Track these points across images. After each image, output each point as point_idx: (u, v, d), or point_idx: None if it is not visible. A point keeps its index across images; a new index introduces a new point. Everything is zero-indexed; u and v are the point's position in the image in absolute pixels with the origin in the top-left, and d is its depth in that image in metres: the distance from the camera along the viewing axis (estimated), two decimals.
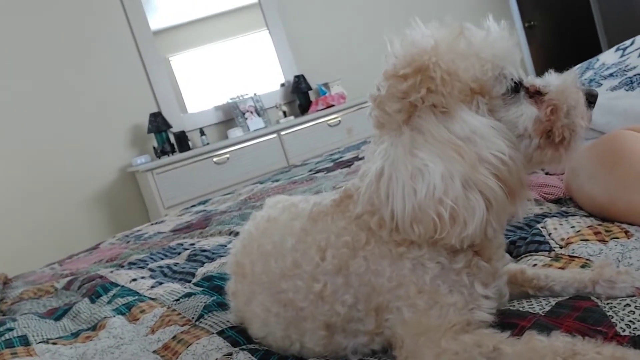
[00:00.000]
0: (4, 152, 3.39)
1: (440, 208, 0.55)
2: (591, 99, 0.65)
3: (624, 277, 0.66)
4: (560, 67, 1.43)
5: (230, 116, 3.99)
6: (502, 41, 0.62)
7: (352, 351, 0.67)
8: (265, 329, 0.74)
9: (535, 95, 0.64)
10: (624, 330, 0.58)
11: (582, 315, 0.62)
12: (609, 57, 1.34)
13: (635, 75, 1.20)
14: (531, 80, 0.64)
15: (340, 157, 2.39)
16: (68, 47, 3.61)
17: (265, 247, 0.73)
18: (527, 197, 0.61)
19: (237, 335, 0.85)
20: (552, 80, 0.65)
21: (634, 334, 0.58)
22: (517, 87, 0.62)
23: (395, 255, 0.61)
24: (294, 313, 0.68)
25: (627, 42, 1.32)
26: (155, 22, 3.94)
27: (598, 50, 5.34)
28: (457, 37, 0.61)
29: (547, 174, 1.23)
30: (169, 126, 3.70)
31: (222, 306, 0.98)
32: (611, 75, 1.26)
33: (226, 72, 4.17)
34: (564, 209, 0.97)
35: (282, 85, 4.24)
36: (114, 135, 3.72)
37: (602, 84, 1.26)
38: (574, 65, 1.45)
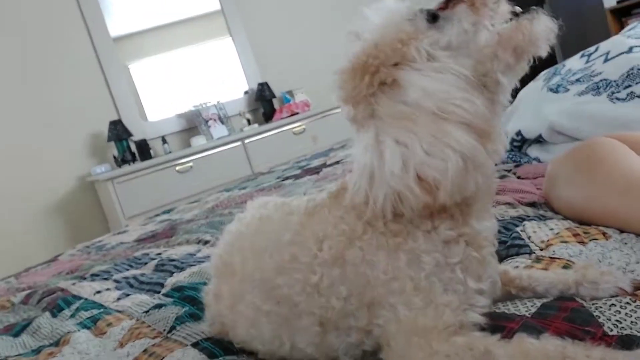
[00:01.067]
0: None
1: (405, 179, 0.54)
2: None
3: (607, 278, 0.65)
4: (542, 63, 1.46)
5: (193, 124, 3.93)
6: (388, 7, 0.62)
7: (344, 352, 0.65)
8: (253, 332, 0.71)
9: (449, 4, 0.61)
10: (612, 330, 0.58)
11: (569, 316, 0.62)
12: (574, 63, 1.37)
13: (601, 80, 1.23)
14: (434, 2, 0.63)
15: (308, 164, 2.37)
16: (24, 53, 3.49)
17: (259, 243, 0.71)
18: (499, 133, 0.59)
19: (213, 347, 0.81)
20: None
21: (622, 333, 0.58)
22: (432, 13, 0.60)
23: (391, 247, 0.60)
24: (288, 309, 0.66)
25: (592, 49, 1.35)
26: (114, 28, 3.85)
27: (554, 61, 5.49)
28: (358, 37, 0.62)
29: (519, 177, 1.24)
30: (129, 134, 3.62)
31: (195, 317, 0.94)
32: (578, 80, 1.28)
33: (188, 79, 4.11)
34: (541, 212, 0.98)
35: (246, 92, 4.20)
36: (72, 144, 3.61)
37: (569, 89, 1.28)
38: (535, 73, 1.47)
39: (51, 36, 3.59)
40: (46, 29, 3.58)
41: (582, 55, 1.37)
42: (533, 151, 1.33)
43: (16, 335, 1.14)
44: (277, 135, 3.86)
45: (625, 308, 0.61)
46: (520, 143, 1.37)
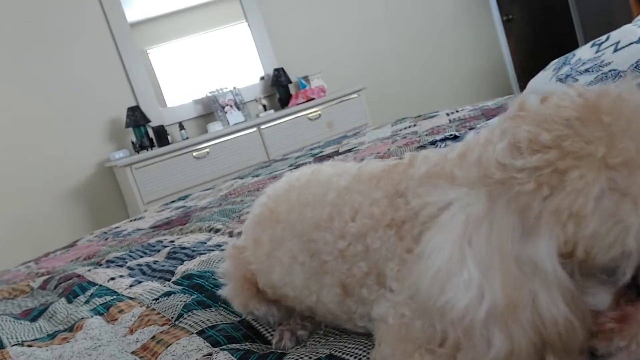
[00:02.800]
0: None
1: (454, 317, 0.44)
2: None
3: None
4: (538, 61, 1.43)
5: (210, 110, 3.96)
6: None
7: (360, 316, 0.67)
8: (287, 278, 0.74)
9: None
10: None
11: None
12: (585, 52, 1.35)
13: (610, 70, 1.22)
14: None
15: (321, 152, 2.39)
16: (43, 40, 3.54)
17: (305, 196, 0.72)
18: None
19: (217, 335, 0.84)
20: None
21: None
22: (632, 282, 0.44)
23: (404, 249, 0.58)
24: (318, 265, 0.68)
25: (603, 38, 1.33)
26: (132, 14, 3.88)
27: (575, 44, 5.41)
28: None
29: None
30: (147, 120, 3.66)
31: (202, 305, 0.97)
32: (587, 70, 1.27)
33: (205, 65, 4.13)
34: None
35: (262, 78, 4.22)
36: (91, 130, 3.67)
37: (578, 79, 1.27)
38: (552, 59, 1.46)
39: (70, 23, 3.63)
40: (65, 17, 3.62)
41: (593, 45, 1.35)
42: None
43: (33, 319, 1.19)
44: (293, 121, 3.87)
45: None
46: None
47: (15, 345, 1.00)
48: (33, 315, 1.22)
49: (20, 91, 3.47)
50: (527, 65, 4.97)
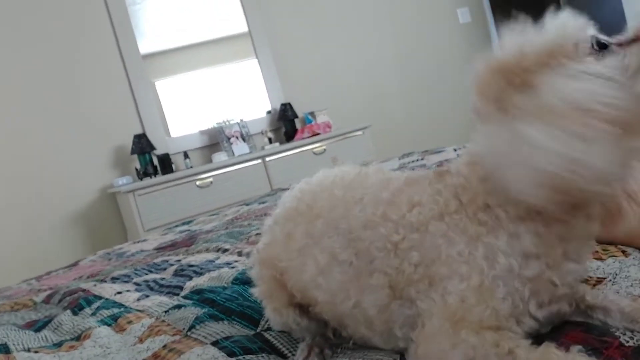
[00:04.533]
0: None
1: (568, 168, 0.52)
2: None
3: None
4: None
5: (216, 140, 3.99)
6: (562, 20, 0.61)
7: (400, 326, 0.65)
8: (320, 279, 0.71)
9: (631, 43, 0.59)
10: (628, 342, 0.59)
11: (586, 328, 0.63)
12: None
13: None
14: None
15: None
16: (57, 69, 3.59)
17: (353, 194, 0.71)
18: None
19: (233, 346, 0.83)
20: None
21: (638, 344, 0.58)
22: (603, 43, 0.59)
23: (473, 234, 0.60)
24: (365, 264, 0.66)
25: None
26: (144, 46, 3.95)
27: None
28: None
29: None
30: (152, 148, 3.68)
31: (215, 318, 0.96)
32: None
33: (213, 97, 4.18)
34: None
35: (269, 112, 4.26)
36: (96, 156, 3.68)
37: None
38: None
39: (83, 52, 3.69)
40: (80, 45, 3.68)
41: None
42: None
43: (38, 330, 1.17)
44: (298, 155, 3.90)
45: None
46: None
47: (22, 351, 0.99)
48: (37, 326, 1.20)
49: (30, 115, 3.49)
50: None
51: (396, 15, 4.81)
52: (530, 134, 0.53)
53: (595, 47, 0.58)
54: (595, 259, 0.80)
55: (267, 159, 3.79)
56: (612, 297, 0.65)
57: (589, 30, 0.60)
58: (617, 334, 0.61)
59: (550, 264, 0.59)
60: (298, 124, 4.23)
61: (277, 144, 3.99)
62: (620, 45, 0.59)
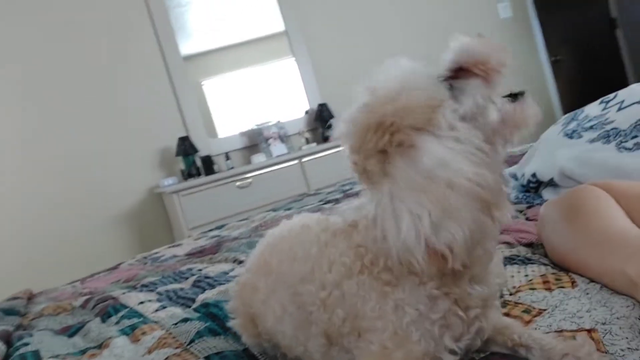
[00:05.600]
0: (35, 167, 3.61)
1: (415, 252, 0.59)
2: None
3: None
4: (587, 102, 1.46)
5: (255, 142, 4.14)
6: (406, 66, 0.67)
7: None
8: (279, 326, 0.81)
9: (459, 73, 0.66)
10: None
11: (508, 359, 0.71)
12: (592, 109, 1.41)
13: (612, 129, 1.27)
14: (443, 66, 0.67)
15: (350, 189, 2.49)
16: (102, 73, 3.82)
17: (295, 251, 0.80)
18: (506, 201, 0.63)
19: None
20: (450, 55, 0.67)
21: None
22: (447, 82, 0.65)
23: (380, 292, 0.67)
24: (305, 316, 0.75)
25: (611, 96, 1.39)
26: (189, 47, 4.14)
27: (625, 85, 5.32)
28: (376, 92, 0.65)
29: (527, 219, 1.30)
30: (195, 150, 3.87)
31: (213, 333, 1.08)
32: (591, 127, 1.33)
33: (253, 98, 4.33)
34: (529, 255, 1.04)
35: (306, 112, 4.37)
36: (143, 157, 3.91)
37: (582, 136, 1.33)
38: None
39: (127, 57, 3.91)
40: (124, 49, 3.90)
41: (601, 102, 1.41)
42: (547, 193, 1.38)
43: (71, 335, 1.33)
44: (334, 155, 3.99)
45: None
46: (536, 185, 1.42)
47: (50, 357, 1.14)
48: (71, 331, 1.36)
49: (80, 120, 3.75)
50: (576, 108, 4.93)
51: (433, 11, 4.80)
52: (401, 212, 0.60)
53: (449, 88, 0.65)
54: (545, 289, 0.87)
55: (304, 159, 3.91)
56: (535, 336, 0.72)
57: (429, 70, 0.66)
58: None
59: (458, 297, 0.66)
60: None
61: (314, 145, 4.10)
62: (454, 78, 0.66)
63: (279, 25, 4.41)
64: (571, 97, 5.37)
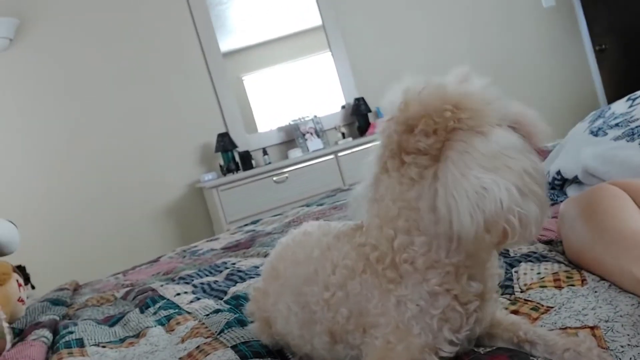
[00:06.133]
0: (80, 163, 3.78)
1: (510, 217, 0.61)
2: None
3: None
4: (632, 91, 1.45)
5: (292, 137, 4.21)
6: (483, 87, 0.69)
7: None
8: (287, 327, 0.87)
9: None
10: None
11: (511, 354, 0.74)
12: (619, 106, 1.40)
13: (637, 127, 1.27)
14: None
15: None
16: (145, 71, 3.96)
17: (297, 255, 0.87)
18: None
19: (246, 350, 1.00)
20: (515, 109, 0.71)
21: None
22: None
23: (384, 289, 0.72)
24: (309, 315, 0.81)
25: (638, 93, 1.38)
26: (229, 43, 4.23)
27: None
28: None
29: (550, 217, 1.31)
30: (234, 146, 3.96)
31: (242, 323, 1.14)
32: (617, 125, 1.33)
33: (291, 93, 4.39)
34: (544, 252, 1.06)
35: (343, 107, 4.41)
36: (184, 153, 4.03)
37: (607, 133, 1.33)
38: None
39: (169, 54, 4.03)
40: (165, 47, 4.02)
41: (628, 99, 1.40)
42: (571, 191, 1.39)
43: (112, 325, 1.42)
44: (370, 150, 4.01)
45: None
46: (561, 182, 1.43)
47: (93, 345, 1.23)
48: (112, 321, 1.45)
49: (124, 118, 3.90)
50: (621, 98, 4.80)
51: (475, 2, 4.75)
52: (483, 183, 0.61)
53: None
54: (555, 287, 0.89)
55: (340, 154, 3.95)
56: (540, 332, 0.75)
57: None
58: None
59: (458, 293, 0.71)
60: (372, 118, 4.34)
61: (350, 139, 4.14)
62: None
63: (316, 20, 4.46)
64: (616, 87, 5.23)
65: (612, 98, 5.17)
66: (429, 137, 0.65)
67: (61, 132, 3.76)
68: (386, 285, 0.72)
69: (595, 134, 1.37)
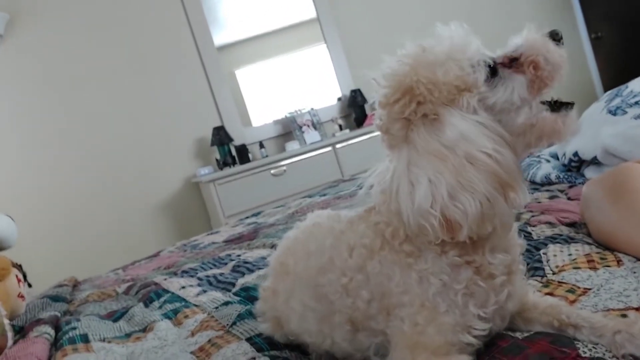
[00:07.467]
0: (75, 159, 3.71)
1: (430, 217, 0.62)
2: (556, 37, 0.68)
3: None
4: (628, 79, 1.42)
5: (289, 129, 4.15)
6: (461, 38, 0.68)
7: (374, 352, 0.74)
8: (302, 325, 0.82)
9: (512, 63, 0.68)
10: (585, 353, 0.65)
11: (553, 339, 0.69)
12: (636, 85, 1.36)
13: None
14: (501, 53, 0.69)
15: None
16: (139, 67, 3.89)
17: (308, 247, 0.82)
18: (522, 185, 0.65)
19: (262, 343, 0.96)
20: (517, 41, 0.69)
21: (593, 356, 0.64)
22: (494, 68, 0.67)
23: (404, 265, 0.68)
24: (326, 307, 0.76)
25: None
26: (223, 37, 4.16)
27: None
28: (424, 53, 0.68)
29: (569, 199, 1.27)
30: (230, 139, 3.90)
31: (254, 315, 1.09)
32: (636, 103, 1.29)
33: (286, 86, 4.34)
34: (572, 234, 1.02)
35: (339, 99, 4.36)
36: (180, 148, 3.96)
37: (627, 112, 1.29)
38: None
39: (163, 49, 3.95)
40: (158, 42, 3.95)
41: None
42: (589, 172, 1.35)
43: (115, 320, 1.36)
44: (368, 141, 3.96)
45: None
46: (578, 164, 1.39)
47: (98, 340, 1.18)
48: (116, 316, 1.40)
49: (119, 113, 3.83)
50: (618, 85, 4.77)
51: None
52: (417, 178, 0.63)
53: (489, 74, 0.66)
54: (589, 268, 0.85)
55: (338, 145, 3.90)
56: (584, 315, 0.70)
57: (481, 49, 0.68)
58: (578, 345, 0.67)
59: (479, 265, 0.67)
60: (368, 109, 4.29)
61: (347, 131, 4.09)
62: (506, 65, 0.68)
63: (310, 12, 4.40)
64: (613, 74, 5.21)
65: (608, 86, 5.15)
66: (394, 124, 0.67)
67: (55, 128, 3.68)
68: (405, 260, 0.68)
69: (613, 113, 1.33)
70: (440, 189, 0.61)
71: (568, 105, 0.69)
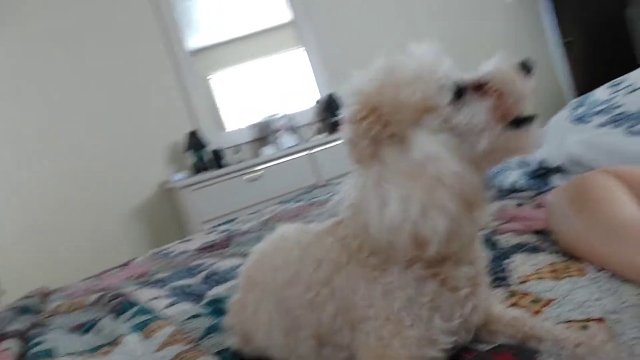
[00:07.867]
0: (46, 165, 3.65)
1: (400, 233, 0.62)
2: (526, 67, 0.70)
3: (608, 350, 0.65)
4: (599, 83, 1.44)
5: (264, 134, 4.14)
6: (431, 57, 0.69)
7: None
8: (269, 338, 0.82)
9: (479, 88, 0.69)
10: None
11: (516, 351, 0.70)
12: (601, 93, 1.39)
13: (622, 112, 1.25)
14: (469, 77, 0.70)
15: None
16: (110, 68, 3.84)
17: (275, 260, 0.82)
18: (486, 205, 0.66)
19: (231, 357, 0.95)
20: (487, 68, 0.70)
21: None
22: (460, 90, 0.68)
23: (369, 278, 0.69)
24: (291, 321, 0.76)
25: (621, 79, 1.37)
26: (196, 41, 4.13)
27: (635, 66, 5.22)
28: (392, 71, 0.68)
29: (537, 206, 1.29)
30: (204, 144, 3.87)
31: (223, 328, 1.08)
32: (601, 111, 1.31)
33: (261, 90, 4.32)
34: (537, 243, 1.03)
35: (317, 103, 4.36)
36: (153, 153, 3.93)
37: (591, 120, 1.31)
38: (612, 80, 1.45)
39: (134, 53, 3.92)
40: (130, 47, 3.91)
41: (610, 85, 1.39)
42: (556, 180, 1.37)
43: (84, 332, 1.34)
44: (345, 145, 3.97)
45: None
46: (544, 171, 1.41)
47: (64, 355, 1.15)
48: (84, 328, 1.37)
49: (88, 117, 3.78)
50: (589, 90, 4.84)
51: None
52: (388, 195, 0.63)
53: (456, 96, 0.67)
54: (553, 278, 0.86)
55: (314, 150, 3.90)
56: (547, 327, 0.71)
57: (450, 71, 0.69)
58: (541, 358, 0.67)
59: (444, 278, 0.68)
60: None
61: (324, 135, 4.09)
62: (476, 89, 0.68)
63: (286, 16, 4.40)
64: (583, 77, 5.30)
65: (580, 90, 5.24)
66: (361, 141, 0.67)
67: (26, 134, 3.62)
68: (371, 274, 0.69)
69: (578, 121, 1.35)
70: (412, 206, 0.61)
71: (528, 119, 0.70)
